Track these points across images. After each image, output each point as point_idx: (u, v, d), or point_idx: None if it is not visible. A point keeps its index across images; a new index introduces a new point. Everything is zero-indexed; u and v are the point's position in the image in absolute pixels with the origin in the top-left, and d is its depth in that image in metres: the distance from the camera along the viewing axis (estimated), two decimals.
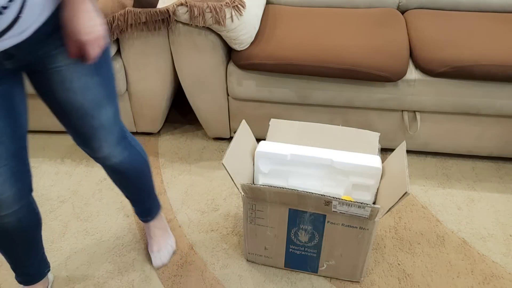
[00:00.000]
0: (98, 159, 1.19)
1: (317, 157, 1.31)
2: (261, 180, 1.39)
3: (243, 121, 1.38)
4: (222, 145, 1.93)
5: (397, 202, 1.11)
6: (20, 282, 1.27)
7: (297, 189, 1.15)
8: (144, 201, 1.36)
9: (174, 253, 1.44)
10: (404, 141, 1.28)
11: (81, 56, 0.93)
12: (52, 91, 0.98)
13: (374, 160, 1.30)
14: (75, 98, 1.00)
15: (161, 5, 1.57)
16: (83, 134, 1.09)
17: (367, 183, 1.31)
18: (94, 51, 0.91)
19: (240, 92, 1.72)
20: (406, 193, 1.08)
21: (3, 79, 0.93)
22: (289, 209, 1.22)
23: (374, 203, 1.35)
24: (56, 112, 1.05)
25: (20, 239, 1.15)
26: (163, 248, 1.42)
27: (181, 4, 1.53)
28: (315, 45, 1.62)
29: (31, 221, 1.14)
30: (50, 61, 0.93)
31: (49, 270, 1.32)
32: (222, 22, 1.52)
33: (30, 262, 1.23)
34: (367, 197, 1.33)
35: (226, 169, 1.20)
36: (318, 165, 1.33)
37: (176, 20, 1.57)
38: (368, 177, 1.30)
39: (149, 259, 1.43)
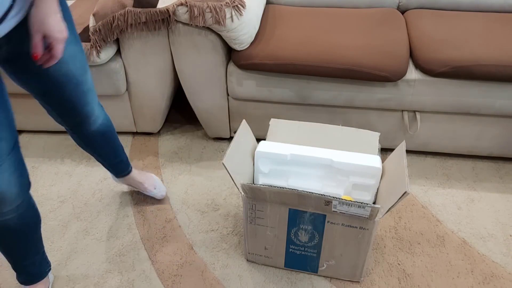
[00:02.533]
0: (87, 126, 1.26)
1: (317, 157, 1.31)
2: (261, 180, 1.39)
3: (243, 121, 1.38)
4: (222, 145, 1.93)
5: (397, 202, 1.11)
6: (22, 282, 1.27)
7: (297, 189, 1.15)
8: (122, 155, 1.48)
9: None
10: (404, 141, 1.28)
11: (43, 53, 0.97)
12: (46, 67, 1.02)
13: (374, 160, 1.30)
14: (67, 68, 1.07)
15: (161, 5, 1.57)
16: (76, 104, 1.16)
17: (367, 183, 1.31)
18: (61, 48, 0.97)
19: (240, 92, 1.72)
20: (406, 193, 1.08)
21: None
22: (289, 209, 1.22)
23: (374, 203, 1.35)
24: (48, 90, 1.08)
25: (21, 236, 1.15)
26: (157, 183, 1.63)
27: (181, 4, 1.53)
28: (315, 45, 1.62)
29: (31, 216, 1.15)
30: None
31: (50, 270, 1.32)
32: (222, 22, 1.52)
33: (31, 260, 1.23)
34: (367, 197, 1.33)
35: (226, 169, 1.20)
36: (318, 165, 1.33)
37: (176, 20, 1.57)
38: (368, 177, 1.30)
39: (149, 259, 1.43)
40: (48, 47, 0.95)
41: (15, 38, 0.96)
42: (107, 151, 1.41)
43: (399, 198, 1.10)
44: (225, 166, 1.20)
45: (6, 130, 0.98)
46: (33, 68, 1.04)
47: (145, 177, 1.60)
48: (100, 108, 1.29)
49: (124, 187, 1.71)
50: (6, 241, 1.15)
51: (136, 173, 1.57)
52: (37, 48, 0.93)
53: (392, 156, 1.31)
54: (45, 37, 0.93)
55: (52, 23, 0.92)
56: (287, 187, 1.31)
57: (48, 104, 1.16)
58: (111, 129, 1.37)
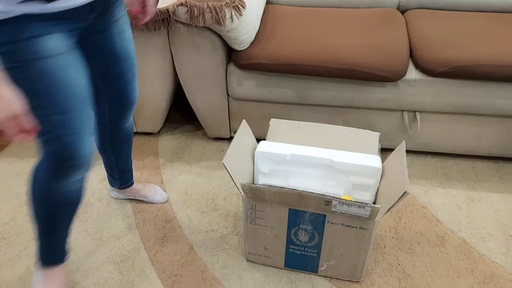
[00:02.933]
0: (125, 120, 1.34)
1: (317, 157, 1.31)
2: (261, 180, 1.39)
3: (243, 121, 1.38)
4: (222, 145, 1.93)
5: (396, 202, 1.11)
6: (46, 262, 1.26)
7: (297, 189, 1.15)
8: (131, 164, 1.53)
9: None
10: (404, 141, 1.28)
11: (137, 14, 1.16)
12: (112, 43, 1.13)
13: (374, 160, 1.30)
14: (127, 45, 1.17)
15: (161, 5, 1.57)
16: (128, 86, 1.24)
17: (367, 183, 1.31)
18: (152, 8, 1.14)
19: (240, 92, 1.72)
20: (405, 192, 1.08)
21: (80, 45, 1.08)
22: (289, 209, 1.22)
23: (374, 203, 1.35)
24: (109, 68, 1.18)
25: (70, 210, 1.19)
26: (157, 189, 1.66)
27: (181, 4, 1.53)
28: (315, 45, 1.62)
29: (82, 194, 1.19)
30: (113, 15, 1.09)
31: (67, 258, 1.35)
32: (222, 22, 1.52)
33: (64, 240, 1.26)
34: (367, 197, 1.33)
35: (226, 169, 1.20)
36: (318, 165, 1.33)
37: (176, 20, 1.57)
38: (368, 177, 1.30)
39: (149, 259, 1.43)
40: (143, 6, 1.13)
41: (109, 4, 1.07)
42: (125, 154, 1.46)
43: (399, 198, 1.10)
44: (225, 166, 1.20)
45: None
46: (104, 42, 1.12)
47: (143, 185, 1.65)
48: None
49: None
50: (57, 213, 1.16)
51: (137, 185, 1.63)
52: (135, 4, 1.12)
53: (392, 156, 1.31)
54: None
55: None
56: (287, 187, 1.31)
57: (105, 84, 1.21)
58: (132, 133, 1.44)
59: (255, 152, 1.35)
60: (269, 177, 1.38)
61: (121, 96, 1.26)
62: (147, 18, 1.14)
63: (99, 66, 1.17)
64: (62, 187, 1.10)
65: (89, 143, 1.07)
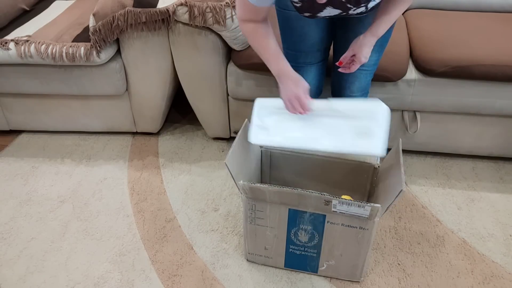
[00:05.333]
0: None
1: (317, 107, 1.23)
2: (256, 135, 1.28)
3: (246, 120, 1.38)
4: (222, 145, 1.93)
5: (393, 200, 1.11)
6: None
7: (296, 144, 1.19)
8: None
9: None
10: (400, 140, 1.27)
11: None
12: (351, 28, 1.28)
13: (377, 101, 1.20)
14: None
15: (161, 5, 1.57)
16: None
17: (372, 126, 1.19)
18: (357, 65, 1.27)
19: (240, 92, 1.72)
20: (402, 191, 1.08)
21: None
22: (289, 209, 1.22)
23: (370, 200, 1.35)
24: (339, 45, 1.35)
25: None
26: None
27: (181, 4, 1.53)
28: None
29: None
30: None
31: None
32: (222, 22, 1.52)
33: None
34: (374, 143, 1.19)
35: (228, 169, 1.20)
36: (318, 116, 1.24)
37: (176, 20, 1.57)
38: (373, 119, 1.19)
39: (149, 259, 1.43)
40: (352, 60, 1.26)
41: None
42: None
43: (396, 197, 1.10)
44: (227, 166, 1.20)
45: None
46: (346, 24, 1.29)
47: None
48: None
49: (124, 187, 1.71)
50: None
51: None
52: (345, 58, 1.25)
53: (388, 155, 1.31)
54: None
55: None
56: (285, 142, 1.24)
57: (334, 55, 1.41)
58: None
59: (255, 101, 1.28)
60: (266, 131, 1.28)
61: (339, 75, 1.40)
62: (351, 69, 1.25)
63: (337, 39, 1.35)
64: None
65: (310, 78, 1.38)
